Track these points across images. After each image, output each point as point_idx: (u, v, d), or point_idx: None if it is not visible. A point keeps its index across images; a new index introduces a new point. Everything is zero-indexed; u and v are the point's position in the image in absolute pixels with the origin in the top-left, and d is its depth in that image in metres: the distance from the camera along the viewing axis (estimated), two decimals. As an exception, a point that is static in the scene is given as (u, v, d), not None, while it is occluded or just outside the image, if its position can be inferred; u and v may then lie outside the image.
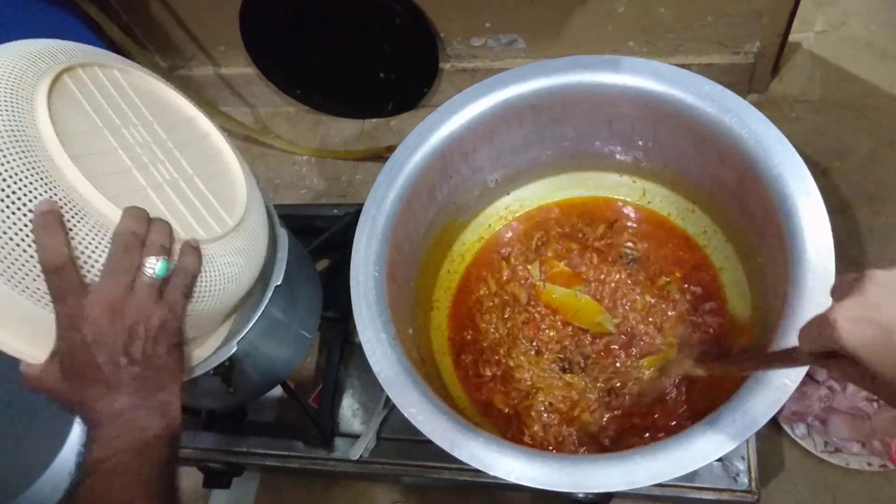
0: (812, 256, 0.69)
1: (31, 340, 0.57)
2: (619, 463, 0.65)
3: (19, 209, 0.52)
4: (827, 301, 0.66)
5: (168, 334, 0.59)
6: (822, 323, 0.42)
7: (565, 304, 0.94)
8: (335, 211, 1.13)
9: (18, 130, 0.54)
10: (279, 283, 0.80)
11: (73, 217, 0.54)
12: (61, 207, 0.53)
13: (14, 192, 0.52)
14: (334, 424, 0.96)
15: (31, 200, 0.52)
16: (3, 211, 0.52)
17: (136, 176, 0.62)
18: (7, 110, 0.54)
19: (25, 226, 0.52)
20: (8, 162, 0.52)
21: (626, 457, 0.66)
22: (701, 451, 0.64)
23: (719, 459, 0.82)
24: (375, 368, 0.75)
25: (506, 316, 0.95)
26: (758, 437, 0.79)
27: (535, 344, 0.93)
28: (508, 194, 1.03)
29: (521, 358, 0.92)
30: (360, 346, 0.79)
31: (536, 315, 0.95)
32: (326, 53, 1.37)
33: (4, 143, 0.52)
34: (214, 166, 0.73)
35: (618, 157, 0.96)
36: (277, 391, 1.00)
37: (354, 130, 1.53)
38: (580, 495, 0.84)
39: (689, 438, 0.65)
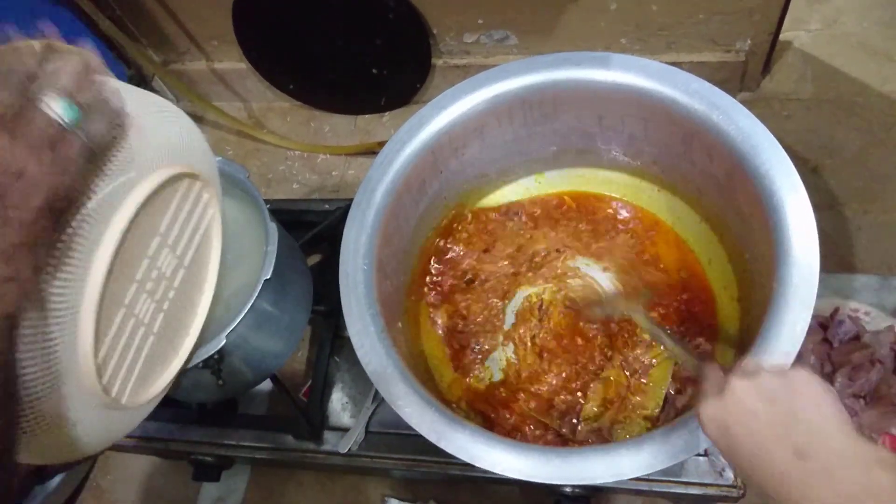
0: (798, 252, 0.69)
1: None
2: (605, 455, 0.66)
3: None
4: (811, 297, 0.67)
5: (43, 194, 0.46)
6: (697, 412, 0.58)
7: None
8: (327, 206, 1.13)
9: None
10: (269, 276, 0.81)
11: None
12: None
13: None
14: (324, 418, 0.97)
15: None
16: None
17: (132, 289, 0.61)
18: None
19: None
20: None
21: (611, 449, 0.67)
22: (686, 443, 0.65)
23: (705, 454, 0.83)
24: (363, 361, 0.75)
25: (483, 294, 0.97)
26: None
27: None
28: (498, 190, 1.03)
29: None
30: (350, 341, 0.79)
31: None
32: (319, 48, 1.37)
33: None
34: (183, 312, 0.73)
35: (607, 153, 0.96)
36: (268, 384, 1.00)
37: (347, 126, 1.53)
38: (567, 489, 0.84)
39: (674, 431, 0.66)
